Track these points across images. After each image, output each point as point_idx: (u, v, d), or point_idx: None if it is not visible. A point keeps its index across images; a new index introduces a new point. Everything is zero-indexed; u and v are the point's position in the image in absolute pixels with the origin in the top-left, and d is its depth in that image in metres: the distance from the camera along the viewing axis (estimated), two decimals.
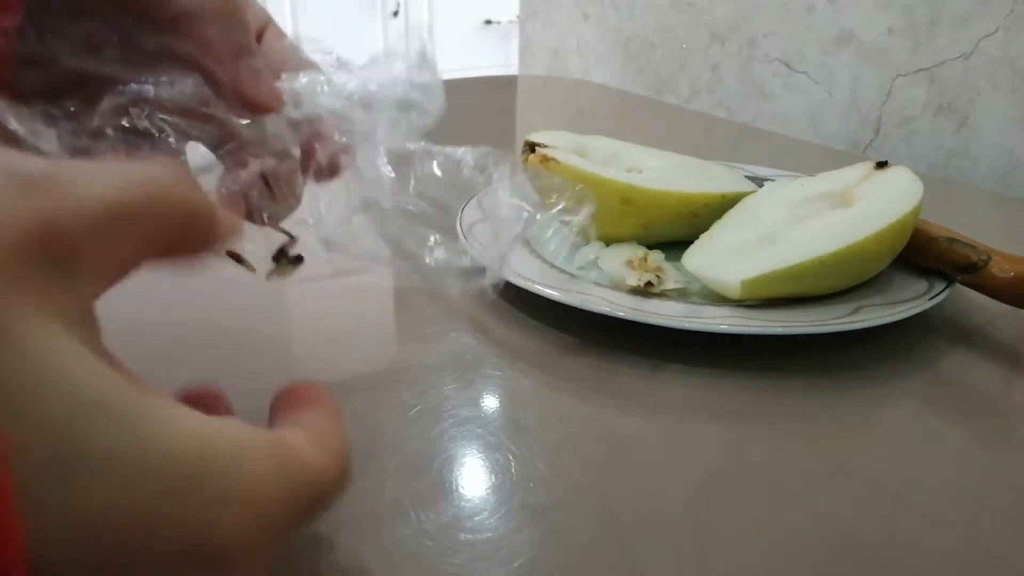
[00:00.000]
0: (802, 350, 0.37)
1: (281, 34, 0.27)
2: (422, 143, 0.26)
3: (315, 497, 0.19)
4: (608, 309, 0.36)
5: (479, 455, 0.29)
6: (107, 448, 0.13)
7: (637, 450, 0.30)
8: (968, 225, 0.42)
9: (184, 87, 0.24)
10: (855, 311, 0.37)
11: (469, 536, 0.25)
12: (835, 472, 0.29)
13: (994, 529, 0.26)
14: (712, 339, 0.36)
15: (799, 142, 0.79)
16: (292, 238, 0.26)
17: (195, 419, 0.16)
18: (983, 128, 0.67)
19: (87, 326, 0.15)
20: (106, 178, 0.16)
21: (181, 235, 0.18)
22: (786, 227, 0.40)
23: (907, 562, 0.24)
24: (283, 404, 0.22)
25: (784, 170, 0.57)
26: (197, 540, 0.15)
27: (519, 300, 0.40)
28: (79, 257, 0.15)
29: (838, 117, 0.79)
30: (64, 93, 0.23)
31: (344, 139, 0.25)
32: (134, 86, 0.23)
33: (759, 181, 0.49)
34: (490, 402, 0.33)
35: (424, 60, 0.26)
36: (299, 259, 0.26)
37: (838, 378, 0.35)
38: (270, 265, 0.25)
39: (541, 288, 0.38)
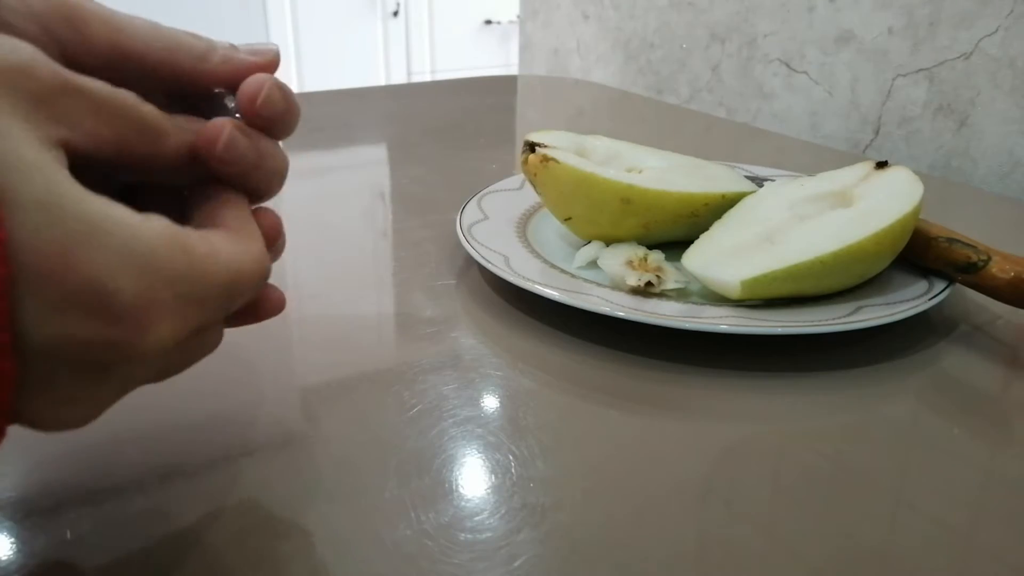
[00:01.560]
0: (802, 350, 0.37)
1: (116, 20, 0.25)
2: None
3: (226, 282, 0.21)
4: (608, 309, 0.36)
5: (479, 455, 0.29)
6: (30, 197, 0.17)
7: (637, 450, 0.30)
8: (968, 225, 0.42)
9: None
10: (855, 311, 0.37)
11: (469, 536, 0.25)
12: (835, 472, 0.29)
13: (994, 529, 0.26)
14: (712, 339, 0.36)
15: (799, 142, 0.79)
16: None
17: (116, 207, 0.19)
18: (983, 128, 0.67)
19: None
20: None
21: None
22: (786, 227, 0.40)
23: (907, 562, 0.24)
24: (199, 206, 0.24)
25: (784, 170, 0.57)
26: (95, 285, 0.17)
27: (519, 300, 0.40)
28: None
29: (838, 117, 0.79)
30: None
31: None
32: None
33: (759, 181, 0.49)
34: (490, 402, 0.33)
35: None
36: None
37: (838, 378, 0.35)
38: None
39: (541, 288, 0.38)
